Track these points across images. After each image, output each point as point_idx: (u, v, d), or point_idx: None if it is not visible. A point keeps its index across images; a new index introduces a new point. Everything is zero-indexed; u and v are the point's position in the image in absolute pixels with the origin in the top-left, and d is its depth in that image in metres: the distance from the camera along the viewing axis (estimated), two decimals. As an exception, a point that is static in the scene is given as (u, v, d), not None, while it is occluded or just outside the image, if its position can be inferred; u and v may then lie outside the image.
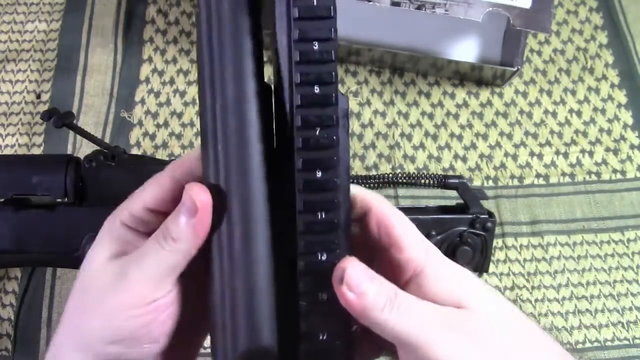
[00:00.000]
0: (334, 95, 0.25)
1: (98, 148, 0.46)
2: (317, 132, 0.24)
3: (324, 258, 0.25)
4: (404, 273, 0.26)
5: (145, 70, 0.64)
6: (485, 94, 0.63)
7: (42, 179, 0.42)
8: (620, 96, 0.63)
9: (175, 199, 0.26)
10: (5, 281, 0.55)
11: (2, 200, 0.43)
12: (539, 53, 0.65)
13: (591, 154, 0.60)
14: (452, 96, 0.63)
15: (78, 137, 0.59)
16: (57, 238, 0.43)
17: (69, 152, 0.60)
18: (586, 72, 0.64)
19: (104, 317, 0.25)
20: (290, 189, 0.25)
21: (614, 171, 0.60)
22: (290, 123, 0.25)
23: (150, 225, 0.27)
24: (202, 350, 0.48)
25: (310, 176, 0.25)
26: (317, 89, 0.25)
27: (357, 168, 0.60)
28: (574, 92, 0.63)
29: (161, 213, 0.27)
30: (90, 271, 0.26)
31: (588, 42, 0.65)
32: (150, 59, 0.64)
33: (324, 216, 0.25)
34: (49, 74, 0.63)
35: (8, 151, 0.60)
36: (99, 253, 0.26)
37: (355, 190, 0.27)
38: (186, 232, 0.24)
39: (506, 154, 0.60)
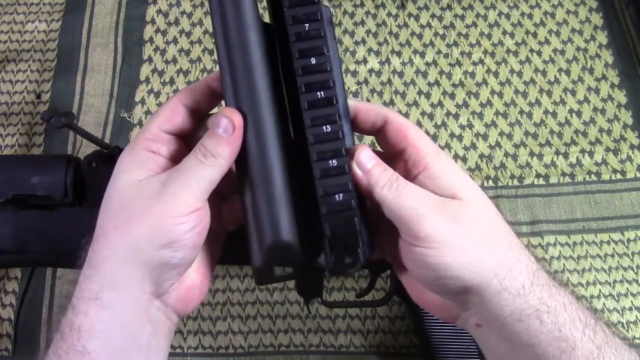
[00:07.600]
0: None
1: (98, 148, 0.46)
2: (313, 61, 0.30)
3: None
4: (414, 170, 0.31)
5: (145, 70, 0.64)
6: (485, 94, 0.63)
7: (42, 179, 0.42)
8: (620, 96, 0.63)
9: (184, 121, 0.31)
10: (5, 281, 0.55)
11: (2, 200, 0.43)
12: (539, 53, 0.65)
13: (591, 154, 0.60)
14: (452, 96, 0.63)
15: (78, 137, 0.60)
16: (57, 238, 0.43)
17: (69, 152, 0.60)
18: (586, 72, 0.64)
19: (152, 225, 0.28)
20: (299, 111, 0.30)
21: (614, 171, 0.60)
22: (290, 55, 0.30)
23: (168, 147, 0.31)
24: (201, 351, 0.48)
25: (313, 97, 0.30)
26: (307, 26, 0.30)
27: (357, 168, 0.60)
28: (573, 92, 0.63)
29: (174, 135, 0.31)
30: (124, 191, 0.30)
31: (588, 42, 0.65)
32: (150, 59, 0.64)
33: (329, 129, 0.30)
34: (49, 74, 0.64)
35: (8, 151, 0.60)
36: (128, 176, 0.30)
37: (371, 105, 0.33)
38: (225, 149, 0.29)
39: (506, 154, 0.60)
